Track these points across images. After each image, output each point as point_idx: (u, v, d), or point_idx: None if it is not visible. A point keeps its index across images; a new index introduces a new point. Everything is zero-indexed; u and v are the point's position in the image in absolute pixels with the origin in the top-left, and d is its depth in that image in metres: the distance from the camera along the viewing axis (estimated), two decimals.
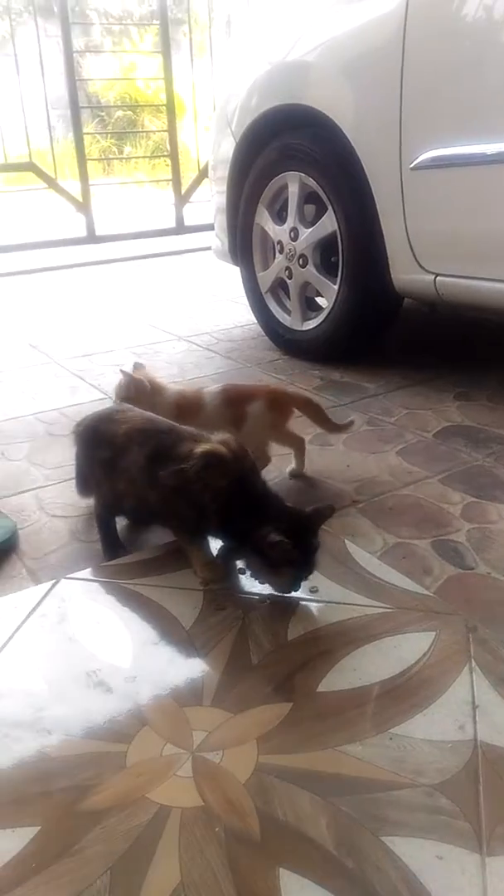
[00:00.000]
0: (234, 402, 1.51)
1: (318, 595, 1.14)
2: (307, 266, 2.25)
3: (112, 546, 1.33)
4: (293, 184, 2.25)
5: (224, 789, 0.82)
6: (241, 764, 0.86)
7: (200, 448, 1.16)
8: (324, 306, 2.30)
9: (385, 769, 0.84)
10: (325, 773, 0.84)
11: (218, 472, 1.15)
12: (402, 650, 1.01)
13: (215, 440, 1.19)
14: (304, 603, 1.13)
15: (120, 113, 9.75)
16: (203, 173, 4.84)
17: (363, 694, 0.95)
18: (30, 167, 4.56)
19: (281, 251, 2.35)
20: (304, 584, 1.16)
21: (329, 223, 2.14)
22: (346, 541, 1.29)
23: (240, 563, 1.23)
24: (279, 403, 1.52)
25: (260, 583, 1.18)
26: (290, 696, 0.95)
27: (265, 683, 0.98)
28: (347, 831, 0.77)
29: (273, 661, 1.02)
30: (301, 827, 0.78)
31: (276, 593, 1.15)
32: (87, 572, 1.25)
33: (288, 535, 1.08)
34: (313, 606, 1.13)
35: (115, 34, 10.14)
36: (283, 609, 1.12)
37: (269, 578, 1.14)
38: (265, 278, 2.49)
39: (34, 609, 1.14)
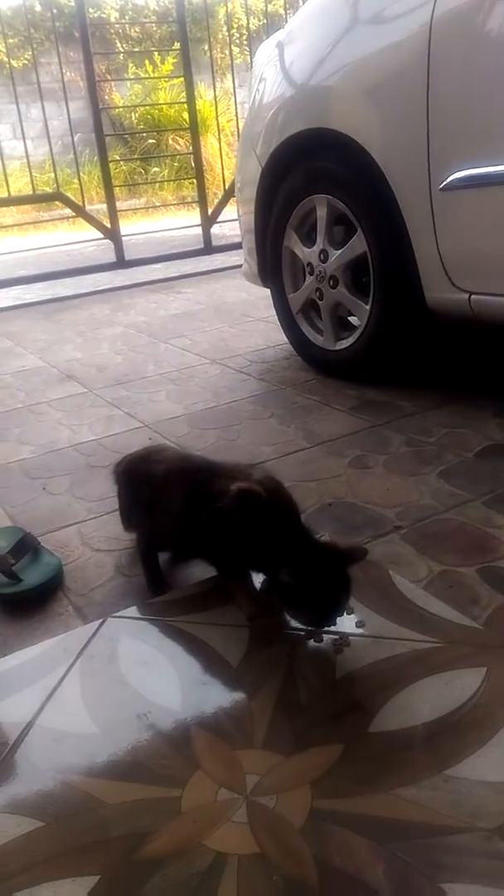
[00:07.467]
0: None
1: (365, 629, 1.14)
2: (338, 287, 2.25)
3: (156, 582, 1.34)
4: (321, 207, 2.26)
5: (280, 836, 0.82)
6: (295, 809, 0.85)
7: (235, 486, 1.16)
8: (356, 325, 2.30)
9: (441, 812, 0.83)
10: (380, 818, 0.83)
11: (252, 510, 1.15)
12: (453, 687, 1.00)
13: (253, 477, 1.20)
14: (352, 638, 1.13)
15: (145, 134, 9.88)
16: (229, 193, 4.87)
17: (415, 734, 0.94)
18: (58, 196, 4.64)
19: (311, 273, 2.36)
20: (351, 618, 1.16)
21: (359, 245, 2.14)
22: (391, 571, 1.28)
23: None
24: None
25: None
26: (341, 738, 0.95)
27: (316, 724, 0.98)
28: (405, 878, 0.76)
29: (323, 701, 1.02)
30: (359, 874, 0.77)
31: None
32: (132, 610, 1.26)
33: (311, 573, 1.09)
34: (361, 642, 1.12)
35: (135, 56, 10.29)
36: (331, 645, 1.12)
37: (295, 615, 1.15)
38: (296, 299, 2.49)
39: (83, 650, 1.16)
